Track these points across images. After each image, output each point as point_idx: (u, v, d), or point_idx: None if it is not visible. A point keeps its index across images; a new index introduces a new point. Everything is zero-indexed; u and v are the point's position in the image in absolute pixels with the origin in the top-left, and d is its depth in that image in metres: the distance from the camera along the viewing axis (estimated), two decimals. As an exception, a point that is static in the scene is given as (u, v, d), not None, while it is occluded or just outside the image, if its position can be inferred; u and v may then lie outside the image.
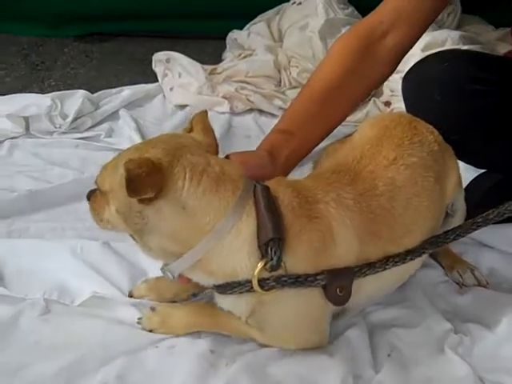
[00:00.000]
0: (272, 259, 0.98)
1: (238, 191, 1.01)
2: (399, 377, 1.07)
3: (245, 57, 2.57)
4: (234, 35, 2.74)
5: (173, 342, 1.14)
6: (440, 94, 1.32)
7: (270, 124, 2.15)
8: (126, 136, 1.97)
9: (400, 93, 2.26)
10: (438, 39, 2.44)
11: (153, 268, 1.29)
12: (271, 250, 0.98)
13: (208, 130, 1.11)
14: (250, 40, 2.66)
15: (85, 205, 1.56)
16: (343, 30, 2.51)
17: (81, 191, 1.57)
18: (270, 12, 2.83)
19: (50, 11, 2.93)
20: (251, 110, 2.27)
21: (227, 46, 2.79)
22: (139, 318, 1.18)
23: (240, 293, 1.02)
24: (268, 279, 1.00)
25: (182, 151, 1.01)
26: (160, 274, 1.25)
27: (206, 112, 1.15)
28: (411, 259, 1.12)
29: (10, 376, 1.04)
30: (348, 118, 2.22)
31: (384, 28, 1.34)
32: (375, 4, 2.74)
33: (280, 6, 2.82)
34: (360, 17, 2.72)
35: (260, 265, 0.99)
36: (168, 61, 2.45)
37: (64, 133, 1.99)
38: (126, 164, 0.93)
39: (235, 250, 1.00)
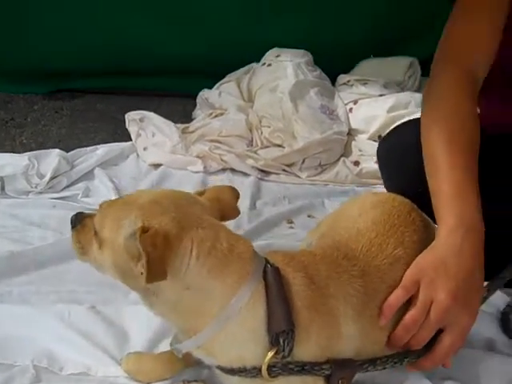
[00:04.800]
0: (284, 350, 0.98)
1: (246, 274, 0.98)
2: None
3: (216, 116, 2.63)
4: (205, 94, 2.80)
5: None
6: (416, 159, 1.33)
7: (243, 182, 2.24)
8: (104, 196, 1.98)
9: (368, 153, 2.39)
10: (402, 101, 2.57)
11: (138, 336, 1.32)
12: (284, 342, 0.97)
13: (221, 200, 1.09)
14: (221, 99, 2.72)
15: (66, 267, 1.59)
16: (311, 92, 2.63)
17: (61, 253, 1.61)
18: (239, 72, 2.91)
19: (17, 68, 2.95)
20: (224, 169, 2.32)
21: (198, 104, 2.85)
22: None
23: (245, 377, 1.01)
24: (275, 366, 0.99)
25: (191, 221, 0.97)
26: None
27: (236, 192, 1.13)
28: (408, 362, 1.14)
29: None
30: (317, 177, 2.33)
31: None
32: (340, 66, 2.92)
33: (249, 66, 2.90)
34: (327, 78, 2.84)
35: (271, 353, 0.98)
36: (142, 120, 2.50)
37: (40, 192, 2.00)
38: (145, 244, 0.90)
39: (241, 338, 0.99)
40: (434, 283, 1.12)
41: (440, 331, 1.15)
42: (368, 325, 1.09)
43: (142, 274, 0.92)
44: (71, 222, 1.10)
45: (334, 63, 2.94)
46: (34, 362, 1.22)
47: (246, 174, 2.30)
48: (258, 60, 2.90)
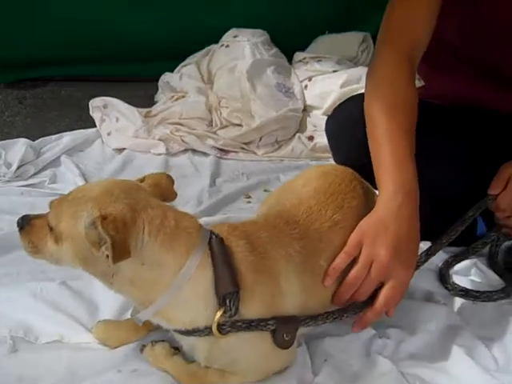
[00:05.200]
0: (231, 310, 1.10)
1: (192, 246, 1.10)
2: (334, 378, 1.23)
3: (177, 99, 2.72)
4: (167, 78, 2.88)
5: (134, 365, 1.25)
6: (361, 132, 1.45)
7: (203, 162, 2.35)
8: (71, 182, 2.07)
9: (322, 128, 2.50)
10: (354, 76, 2.69)
11: (106, 306, 1.42)
12: (230, 302, 1.09)
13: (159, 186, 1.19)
14: (182, 83, 2.81)
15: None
16: (268, 70, 2.72)
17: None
18: (199, 54, 3.00)
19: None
20: (186, 150, 2.42)
21: (159, 88, 2.92)
22: (143, 345, 1.29)
23: (199, 336, 1.13)
24: (224, 325, 1.11)
25: (141, 205, 1.08)
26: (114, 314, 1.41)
27: (171, 178, 1.23)
28: (347, 317, 1.27)
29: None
30: (273, 154, 2.45)
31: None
32: (296, 44, 3.01)
33: (209, 48, 2.99)
34: (284, 56, 2.95)
35: (219, 313, 1.10)
36: (105, 106, 2.58)
37: (8, 181, 2.08)
38: (108, 230, 1.00)
39: (192, 303, 1.11)
40: (375, 242, 1.25)
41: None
42: (310, 281, 1.22)
43: (107, 256, 1.02)
44: (18, 225, 1.18)
45: (290, 40, 3.04)
46: (11, 332, 1.32)
47: (206, 154, 2.41)
48: (216, 41, 2.98)
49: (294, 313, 1.19)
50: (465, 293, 1.48)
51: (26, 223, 1.17)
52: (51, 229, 1.11)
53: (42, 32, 3.00)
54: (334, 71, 2.80)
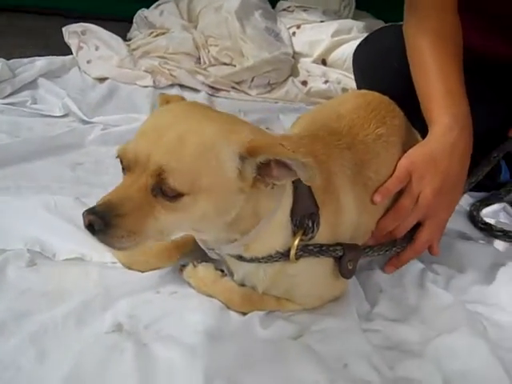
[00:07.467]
0: (313, 231, 1.01)
1: None
2: (394, 309, 1.15)
3: (157, 35, 2.54)
4: (145, 13, 2.71)
5: (172, 288, 1.12)
6: (398, 61, 1.39)
7: (194, 98, 2.19)
8: (56, 104, 1.89)
9: (315, 74, 2.42)
10: (345, 26, 2.61)
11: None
12: (313, 223, 1.00)
13: None
14: (162, 18, 2.63)
15: (29, 166, 1.51)
16: (256, 13, 2.60)
17: (27, 153, 1.53)
18: (176, -7, 2.83)
19: None
20: (173, 85, 2.26)
21: (135, 24, 2.75)
22: (183, 265, 1.16)
23: (267, 262, 1.03)
24: (296, 249, 1.02)
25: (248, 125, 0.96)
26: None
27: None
28: (396, 250, 1.22)
29: (15, 324, 0.98)
30: (267, 95, 2.34)
31: None
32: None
33: (187, -13, 2.81)
34: (268, 2, 2.83)
35: (298, 237, 1.01)
36: (83, 33, 2.37)
37: (-18, 98, 1.86)
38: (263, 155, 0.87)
39: (275, 229, 1.00)
40: (424, 177, 1.18)
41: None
42: (362, 195, 1.14)
43: (272, 185, 0.92)
44: (96, 229, 0.86)
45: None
46: (27, 246, 1.15)
47: (195, 90, 2.26)
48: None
49: (349, 232, 1.12)
50: (503, 233, 1.42)
51: (111, 218, 0.85)
52: (177, 195, 0.86)
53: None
54: (321, 21, 2.72)
